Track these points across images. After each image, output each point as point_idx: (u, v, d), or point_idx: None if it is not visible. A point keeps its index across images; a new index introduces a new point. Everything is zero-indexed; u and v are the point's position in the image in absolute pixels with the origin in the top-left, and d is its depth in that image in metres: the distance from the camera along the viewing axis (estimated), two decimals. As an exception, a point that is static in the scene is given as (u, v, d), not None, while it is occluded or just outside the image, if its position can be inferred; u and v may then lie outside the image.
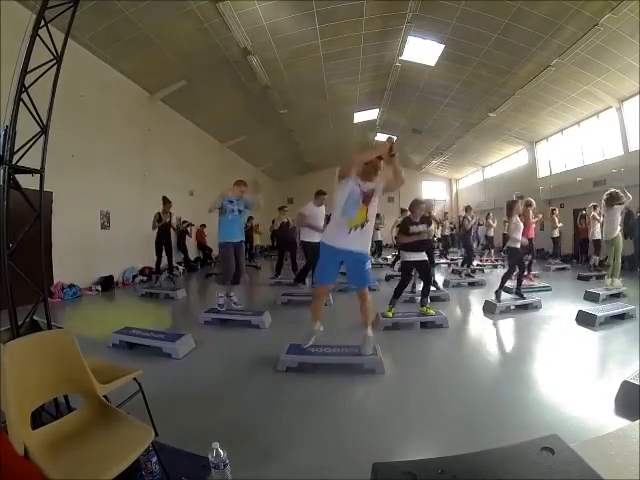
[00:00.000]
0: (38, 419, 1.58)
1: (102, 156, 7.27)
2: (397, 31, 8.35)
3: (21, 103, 2.12)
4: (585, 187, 10.59)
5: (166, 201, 6.81)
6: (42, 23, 2.24)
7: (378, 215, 10.42)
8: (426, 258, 4.62)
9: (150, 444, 1.43)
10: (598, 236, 7.59)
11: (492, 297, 5.07)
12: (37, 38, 2.22)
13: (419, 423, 2.22)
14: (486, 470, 1.34)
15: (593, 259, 8.08)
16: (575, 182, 11.22)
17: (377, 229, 10.67)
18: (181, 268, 9.62)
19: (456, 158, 17.95)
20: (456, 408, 2.36)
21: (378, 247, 11.08)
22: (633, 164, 8.76)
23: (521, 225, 5.12)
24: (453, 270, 9.00)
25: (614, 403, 2.30)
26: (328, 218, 4.51)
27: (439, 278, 8.14)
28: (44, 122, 2.27)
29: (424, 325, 4.20)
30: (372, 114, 13.89)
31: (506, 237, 6.84)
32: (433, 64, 9.38)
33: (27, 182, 2.14)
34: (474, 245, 10.53)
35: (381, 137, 15.47)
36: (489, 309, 4.93)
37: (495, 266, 9.92)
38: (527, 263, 6.62)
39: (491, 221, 10.81)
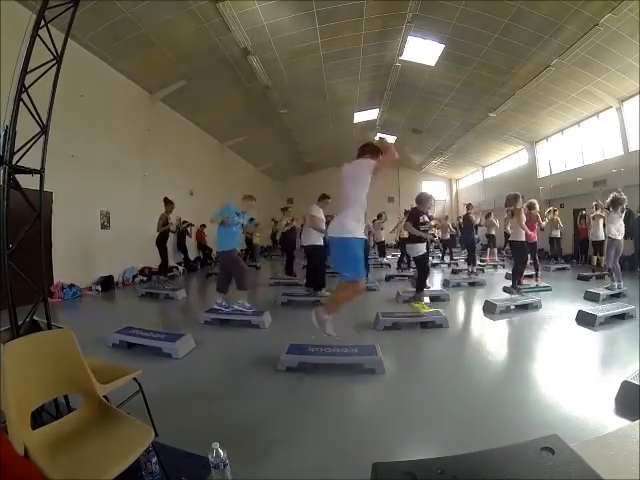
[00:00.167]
0: (38, 419, 1.58)
1: (102, 156, 7.27)
2: (397, 31, 8.35)
3: (21, 103, 2.11)
4: (585, 187, 10.57)
5: (168, 202, 6.73)
6: (42, 23, 2.24)
7: (380, 215, 10.47)
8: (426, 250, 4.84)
9: (150, 444, 1.43)
10: (602, 237, 7.38)
11: (492, 297, 5.07)
12: (37, 38, 2.21)
13: (419, 423, 2.22)
14: (486, 470, 1.34)
15: (595, 259, 8.10)
16: (575, 182, 11.20)
17: (381, 228, 10.67)
18: (181, 268, 9.63)
19: (456, 158, 17.94)
20: (456, 408, 2.36)
21: (380, 248, 11.03)
22: (633, 164, 8.75)
23: (524, 217, 5.12)
24: (453, 270, 9.00)
25: (614, 403, 2.30)
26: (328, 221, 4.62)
27: (439, 278, 8.18)
28: (44, 122, 2.26)
29: (424, 325, 4.20)
30: (372, 114, 13.90)
31: (508, 236, 6.86)
32: (433, 64, 9.38)
33: (27, 182, 2.14)
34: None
35: (381, 137, 15.45)
36: (489, 309, 4.93)
37: (495, 267, 9.90)
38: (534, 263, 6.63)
39: (493, 219, 10.77)
